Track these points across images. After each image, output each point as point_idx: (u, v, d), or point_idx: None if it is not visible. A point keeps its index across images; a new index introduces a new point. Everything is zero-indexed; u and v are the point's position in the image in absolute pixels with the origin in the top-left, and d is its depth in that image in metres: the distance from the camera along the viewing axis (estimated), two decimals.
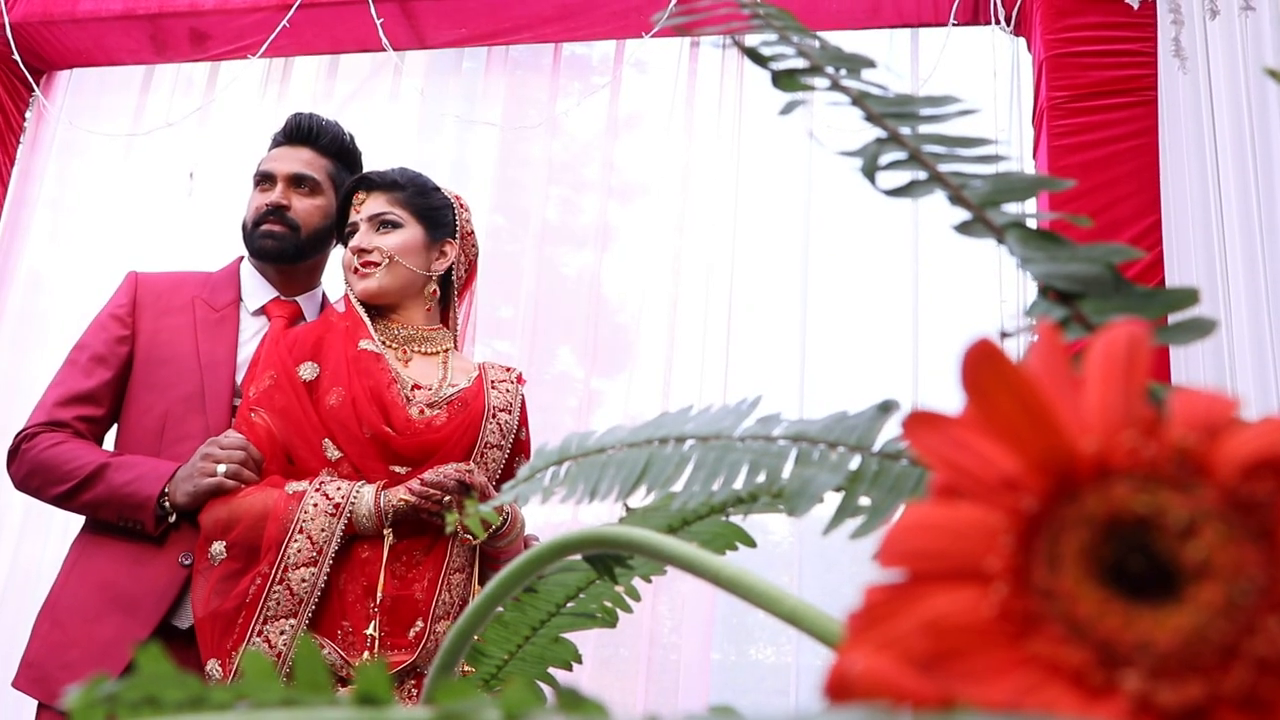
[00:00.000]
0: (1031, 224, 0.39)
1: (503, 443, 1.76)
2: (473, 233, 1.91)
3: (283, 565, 1.57)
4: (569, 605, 0.58)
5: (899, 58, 3.10)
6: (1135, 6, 2.07)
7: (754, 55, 0.42)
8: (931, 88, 2.94)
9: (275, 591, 1.56)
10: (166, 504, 1.69)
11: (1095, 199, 2.52)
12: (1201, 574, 0.20)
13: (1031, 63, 2.89)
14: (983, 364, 0.22)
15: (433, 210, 1.84)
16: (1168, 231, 2.42)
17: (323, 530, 1.59)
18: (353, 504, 1.61)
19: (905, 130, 0.41)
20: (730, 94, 3.20)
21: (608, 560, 0.51)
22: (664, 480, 0.43)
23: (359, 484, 1.63)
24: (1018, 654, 0.19)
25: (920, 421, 0.22)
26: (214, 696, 0.24)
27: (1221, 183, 2.09)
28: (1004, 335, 0.33)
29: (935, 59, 3.04)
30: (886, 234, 2.99)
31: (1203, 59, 2.15)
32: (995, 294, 2.75)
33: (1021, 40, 2.98)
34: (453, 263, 1.86)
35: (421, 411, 1.71)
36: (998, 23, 2.96)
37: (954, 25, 3.03)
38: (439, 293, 1.86)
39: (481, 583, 1.70)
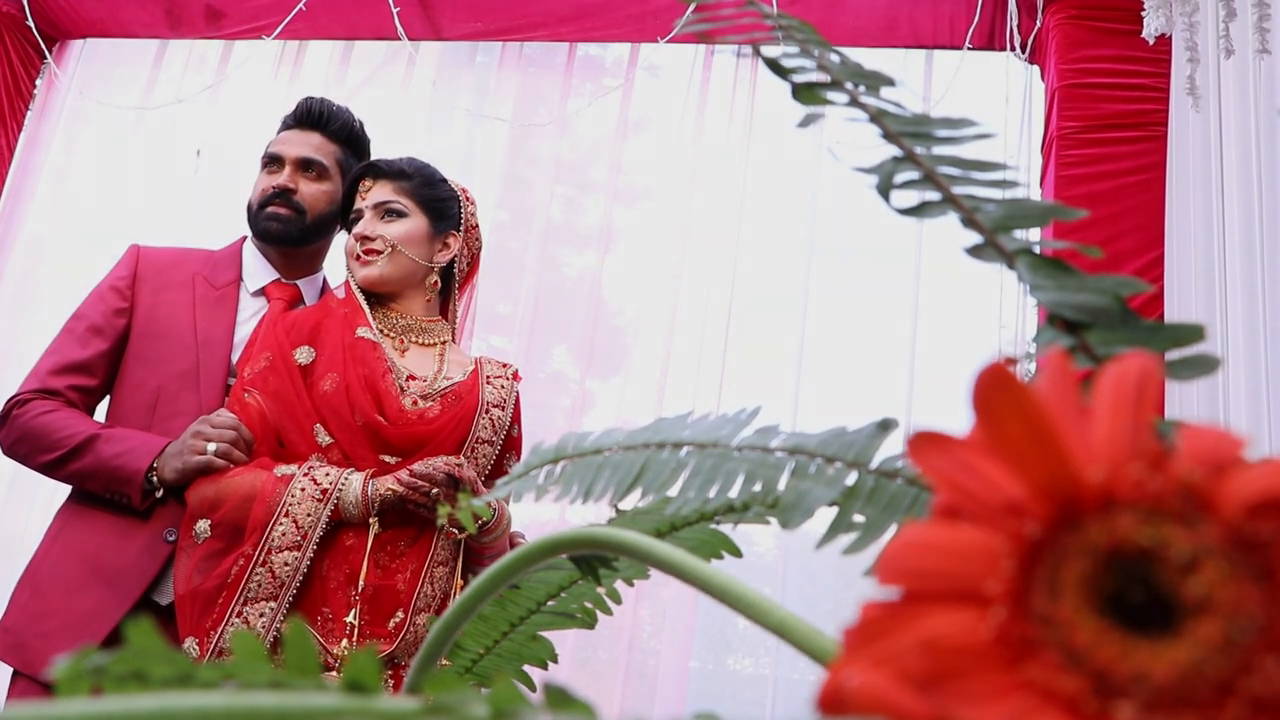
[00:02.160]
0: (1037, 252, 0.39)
1: (494, 438, 1.76)
2: (477, 226, 1.91)
3: (266, 547, 1.57)
4: (549, 604, 0.58)
5: (912, 78, 3.11)
6: (1151, 41, 2.08)
7: (775, 66, 0.42)
8: (943, 110, 2.95)
9: (257, 573, 1.56)
10: (154, 479, 1.68)
11: (1100, 231, 2.53)
12: (1201, 609, 0.20)
13: (1044, 91, 2.89)
14: (995, 387, 0.22)
15: (438, 201, 1.84)
16: (1170, 267, 2.42)
17: (308, 515, 1.58)
18: (340, 491, 1.60)
19: (921, 150, 0.41)
20: (741, 104, 3.20)
21: (593, 561, 0.51)
22: (659, 484, 0.43)
23: (348, 471, 1.63)
24: (1014, 678, 0.19)
25: (925, 441, 0.22)
26: (201, 675, 0.24)
27: (1226, 222, 2.09)
28: (1007, 361, 0.33)
29: (948, 82, 3.05)
30: (890, 252, 3.00)
31: (1214, 98, 2.16)
32: (995, 318, 2.76)
33: (1035, 68, 2.99)
34: (455, 255, 1.85)
35: (415, 402, 1.71)
36: (1013, 50, 2.97)
37: (969, 49, 3.04)
38: (440, 284, 1.85)
39: (464, 577, 1.70)
